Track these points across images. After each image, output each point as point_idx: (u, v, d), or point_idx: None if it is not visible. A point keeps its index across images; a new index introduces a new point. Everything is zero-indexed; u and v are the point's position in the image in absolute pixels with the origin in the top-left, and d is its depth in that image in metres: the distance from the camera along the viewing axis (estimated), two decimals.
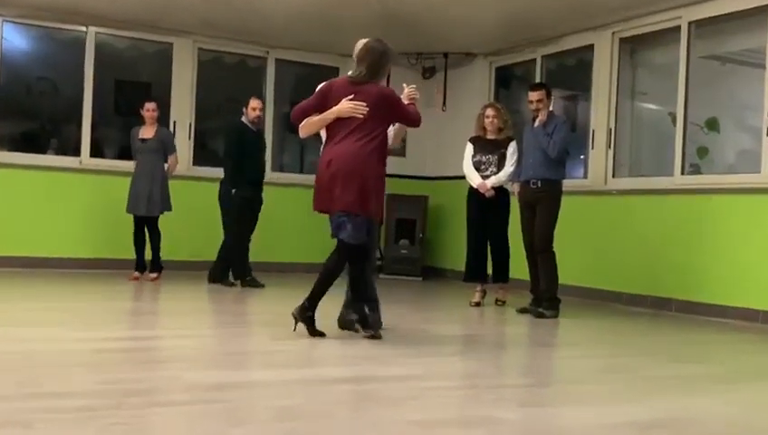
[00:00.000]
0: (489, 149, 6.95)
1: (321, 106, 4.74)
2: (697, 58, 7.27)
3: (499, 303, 7.06)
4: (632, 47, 7.98)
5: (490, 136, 7.00)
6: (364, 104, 4.62)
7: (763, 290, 6.41)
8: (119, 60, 9.06)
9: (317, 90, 4.88)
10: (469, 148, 7.07)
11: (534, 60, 8.86)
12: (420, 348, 4.65)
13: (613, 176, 7.87)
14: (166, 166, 7.78)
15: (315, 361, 4.27)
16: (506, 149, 6.87)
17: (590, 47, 8.13)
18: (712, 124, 7.31)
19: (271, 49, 9.46)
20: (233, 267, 7.60)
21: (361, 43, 4.90)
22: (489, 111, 7.01)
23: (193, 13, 8.24)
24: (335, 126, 4.68)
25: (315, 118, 4.74)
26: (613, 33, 7.87)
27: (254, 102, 7.53)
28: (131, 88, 9.30)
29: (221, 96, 9.44)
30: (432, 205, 9.82)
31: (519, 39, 8.77)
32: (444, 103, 9.77)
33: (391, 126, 4.97)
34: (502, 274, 7.01)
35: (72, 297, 6.53)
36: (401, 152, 10.17)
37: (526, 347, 5.35)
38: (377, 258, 9.67)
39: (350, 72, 4.90)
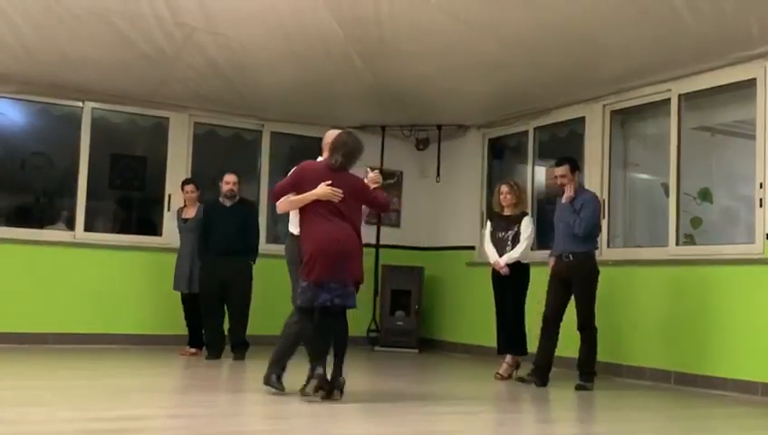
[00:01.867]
0: (505, 225, 7.09)
1: (298, 187, 5.23)
2: (688, 129, 7.29)
3: (498, 376, 6.93)
4: (623, 119, 8.01)
5: (507, 212, 7.12)
6: (341, 190, 5.14)
7: (761, 362, 6.28)
8: (114, 134, 9.05)
9: (293, 171, 5.35)
10: (488, 225, 7.28)
11: (527, 131, 8.89)
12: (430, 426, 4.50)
13: (608, 246, 7.80)
14: None
15: None
16: (521, 224, 6.92)
17: (582, 119, 8.17)
18: (704, 194, 7.29)
19: (266, 122, 9.48)
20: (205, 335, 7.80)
21: (334, 132, 5.48)
22: (503, 188, 7.16)
23: (188, 87, 8.27)
24: (310, 207, 5.17)
25: (295, 197, 5.22)
26: (604, 105, 7.90)
27: (227, 177, 7.86)
28: (127, 162, 9.27)
29: (216, 169, 9.40)
30: (427, 276, 9.72)
31: (511, 111, 8.81)
32: (438, 175, 9.76)
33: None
34: (513, 346, 7.00)
35: (62, 375, 6.37)
36: (396, 223, 10.12)
37: (526, 422, 5.19)
38: (372, 330, 9.57)
39: (320, 158, 5.46)
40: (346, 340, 5.30)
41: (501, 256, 7.01)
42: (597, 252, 6.98)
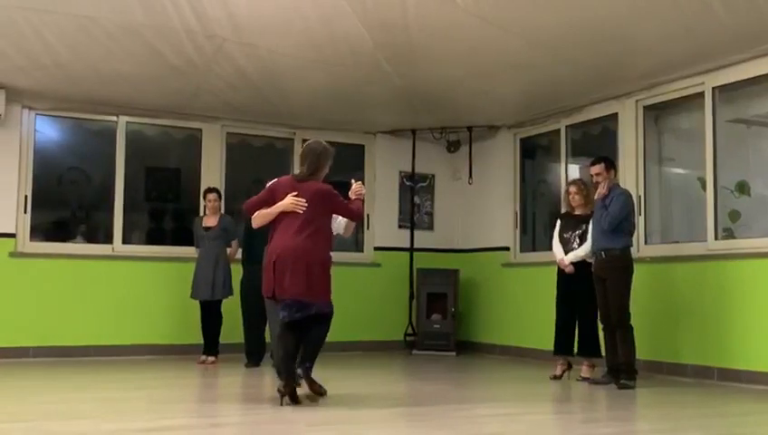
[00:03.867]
0: (573, 225, 7.10)
1: (270, 200, 5.34)
2: (723, 122, 7.20)
3: (579, 379, 6.88)
4: (656, 114, 7.93)
5: (577, 211, 7.12)
6: (304, 200, 5.21)
7: None
8: (149, 147, 9.17)
9: (267, 186, 5.47)
10: (558, 224, 7.29)
11: (558, 130, 8.84)
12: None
13: (645, 243, 7.73)
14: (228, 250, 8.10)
15: None
16: (588, 223, 6.90)
17: (614, 116, 8.10)
18: (742, 187, 7.19)
19: (297, 130, 9.54)
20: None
21: (305, 144, 5.59)
22: (571, 188, 7.19)
23: (220, 98, 8.35)
24: (282, 219, 5.26)
25: (265, 211, 5.33)
26: (637, 101, 7.84)
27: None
28: (161, 174, 9.39)
29: (250, 178, 9.49)
30: (463, 278, 9.70)
31: (542, 110, 8.77)
32: (470, 176, 9.74)
33: (341, 218, 5.60)
34: (587, 348, 6.96)
35: (104, 386, 6.45)
36: (429, 226, 10.12)
37: (569, 422, 5.16)
38: (409, 334, 9.57)
39: (295, 171, 5.61)
40: (319, 345, 5.34)
41: (567, 254, 7.01)
42: (634, 249, 6.94)
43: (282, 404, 5.12)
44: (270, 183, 5.50)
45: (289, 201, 5.23)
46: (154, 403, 5.50)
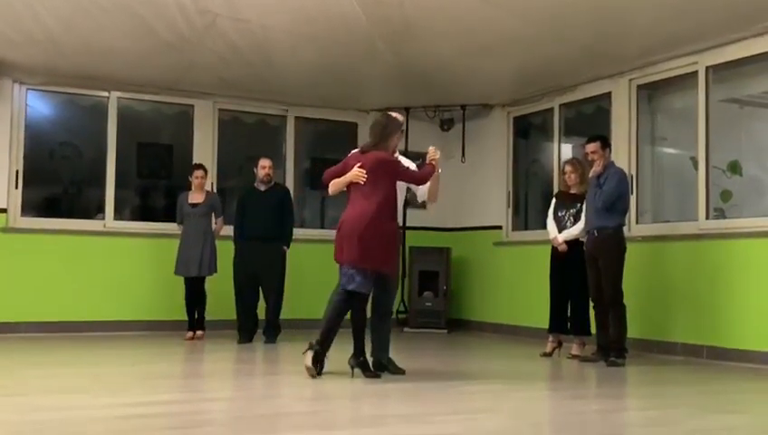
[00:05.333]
0: (568, 203, 7.11)
1: (342, 171, 5.55)
2: (716, 102, 7.23)
3: (569, 356, 6.94)
4: (650, 93, 7.95)
5: (572, 190, 7.13)
6: (364, 171, 5.38)
7: None
8: (140, 123, 9.15)
9: (342, 161, 5.63)
10: (553, 203, 7.30)
11: (552, 109, 8.86)
12: (457, 403, 4.55)
13: (637, 222, 7.78)
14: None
15: (351, 422, 4.18)
16: (583, 203, 6.91)
17: (608, 95, 8.12)
18: (734, 167, 7.24)
19: (290, 107, 9.53)
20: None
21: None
22: (566, 167, 7.20)
23: (212, 74, 8.33)
24: (351, 190, 5.48)
25: (337, 180, 5.55)
26: (630, 80, 7.85)
27: (262, 162, 7.98)
28: (153, 150, 9.37)
29: (242, 155, 9.49)
30: (455, 256, 9.75)
31: (536, 89, 8.78)
32: (463, 155, 9.76)
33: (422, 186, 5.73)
34: (578, 327, 7.02)
35: (97, 362, 6.48)
36: (422, 204, 10.12)
37: (566, 398, 5.22)
38: (401, 311, 9.62)
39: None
40: (356, 323, 5.46)
41: (561, 232, 7.04)
42: (626, 228, 6.98)
43: (353, 375, 5.38)
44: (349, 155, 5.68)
45: (353, 172, 5.40)
46: (146, 378, 5.53)
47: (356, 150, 5.65)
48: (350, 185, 5.45)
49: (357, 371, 5.44)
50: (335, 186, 5.56)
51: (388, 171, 5.42)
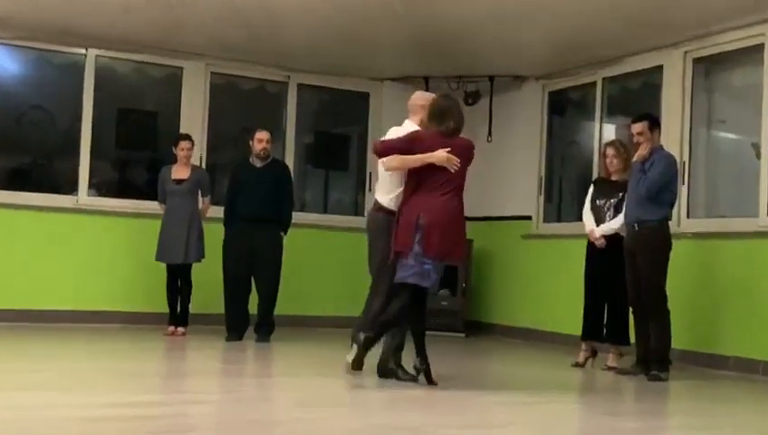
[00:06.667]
0: (608, 192, 7.11)
1: (406, 149, 5.56)
2: None
3: (604, 368, 6.98)
4: (707, 68, 7.97)
5: (614, 177, 7.13)
6: (458, 160, 5.52)
7: None
8: (121, 86, 9.22)
9: (407, 133, 5.69)
10: (591, 190, 7.31)
11: (594, 83, 8.88)
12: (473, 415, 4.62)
13: (688, 216, 7.81)
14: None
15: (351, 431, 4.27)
16: (625, 192, 6.89)
17: (659, 68, 8.14)
18: None
19: (292, 73, 9.59)
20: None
21: (426, 95, 6.00)
22: (609, 150, 7.18)
23: (205, 33, 8.38)
24: (423, 172, 5.54)
25: (409, 157, 5.54)
26: (685, 52, 7.87)
27: (259, 134, 7.97)
28: (135, 117, 9.44)
29: (237, 126, 9.56)
30: (477, 250, 9.80)
31: (576, 60, 8.79)
32: (489, 134, 9.80)
33: None
34: (615, 334, 7.04)
35: (67, 356, 6.59)
36: None
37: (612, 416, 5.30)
38: None
39: (407, 122, 5.84)
40: (420, 325, 5.73)
41: (599, 225, 7.06)
42: (673, 223, 7.01)
43: (419, 381, 5.54)
44: (408, 133, 5.70)
45: (445, 156, 5.49)
46: (124, 376, 5.64)
47: (419, 130, 5.69)
48: (422, 167, 5.53)
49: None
50: (404, 162, 5.57)
51: (469, 161, 5.71)
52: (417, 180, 5.57)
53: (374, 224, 5.92)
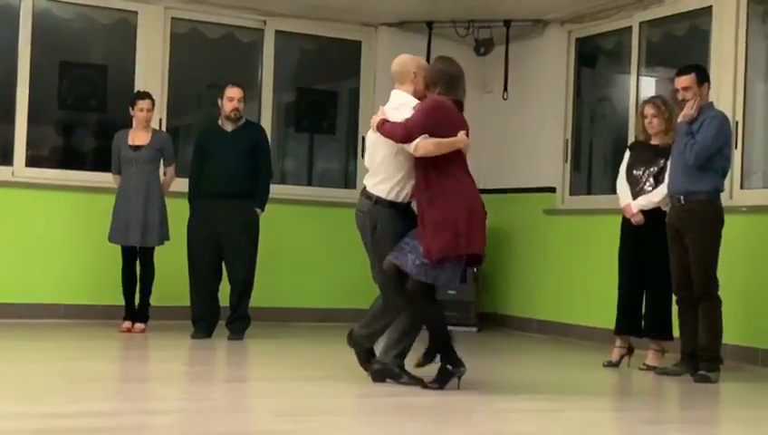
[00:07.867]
0: (647, 158, 7.11)
1: (430, 127, 5.53)
2: None
3: (643, 367, 7.00)
4: (766, 10, 7.94)
5: (654, 141, 7.13)
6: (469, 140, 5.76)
7: None
8: (64, 35, 9.18)
9: (431, 108, 5.62)
10: (626, 156, 7.31)
11: (630, 28, 8.85)
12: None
13: (741, 187, 7.81)
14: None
15: None
16: (668, 158, 6.88)
17: (707, 10, 8.11)
18: None
19: (268, 18, 9.54)
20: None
21: (419, 60, 6.03)
22: (647, 110, 7.15)
23: None
24: (449, 158, 5.61)
25: (443, 141, 5.54)
26: None
27: (230, 91, 7.94)
28: (81, 72, 9.39)
29: (202, 82, 9.53)
30: (491, 228, 9.74)
31: (608, 0, 8.77)
32: (505, 89, 9.78)
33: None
34: (656, 327, 7.06)
35: (4, 356, 6.59)
36: None
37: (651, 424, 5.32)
38: None
39: (396, 90, 5.85)
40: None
41: (636, 198, 7.06)
42: (725, 195, 7.01)
43: (459, 387, 5.61)
44: (435, 104, 5.67)
45: (465, 140, 5.68)
46: (75, 381, 5.64)
47: (442, 102, 5.68)
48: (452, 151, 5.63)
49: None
50: (440, 147, 5.55)
51: None
52: (442, 163, 5.60)
53: (375, 221, 5.71)
